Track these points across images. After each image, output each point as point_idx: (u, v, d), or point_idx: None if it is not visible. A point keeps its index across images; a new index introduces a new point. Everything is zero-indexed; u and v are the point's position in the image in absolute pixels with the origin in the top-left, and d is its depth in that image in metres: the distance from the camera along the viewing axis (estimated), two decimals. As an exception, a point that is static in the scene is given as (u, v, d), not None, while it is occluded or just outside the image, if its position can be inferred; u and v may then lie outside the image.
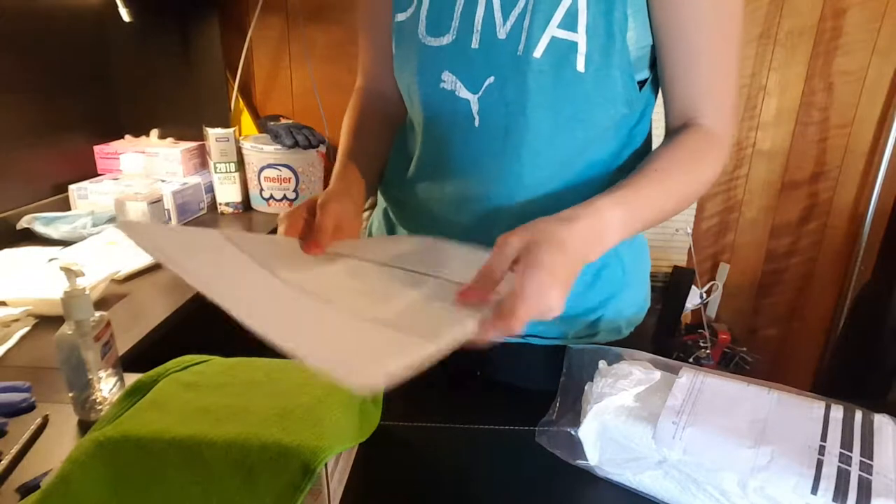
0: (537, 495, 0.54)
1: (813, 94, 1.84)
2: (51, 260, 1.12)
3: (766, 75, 1.83)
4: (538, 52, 0.58)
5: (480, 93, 0.63)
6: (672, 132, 0.64)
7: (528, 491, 0.54)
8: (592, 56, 0.58)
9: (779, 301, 2.08)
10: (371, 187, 0.73)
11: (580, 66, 0.58)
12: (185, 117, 1.77)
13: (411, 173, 0.74)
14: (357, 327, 0.43)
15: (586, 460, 0.55)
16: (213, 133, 1.57)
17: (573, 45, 0.58)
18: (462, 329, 0.43)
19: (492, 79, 0.62)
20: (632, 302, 0.76)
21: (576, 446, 0.56)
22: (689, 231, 1.98)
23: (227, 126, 1.66)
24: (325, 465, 0.46)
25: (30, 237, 1.29)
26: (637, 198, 0.55)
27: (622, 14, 0.57)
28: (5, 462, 0.55)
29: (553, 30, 0.57)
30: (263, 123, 1.80)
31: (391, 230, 0.79)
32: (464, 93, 0.64)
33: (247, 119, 1.87)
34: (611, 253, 0.67)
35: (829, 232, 1.98)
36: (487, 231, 0.68)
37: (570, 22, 0.57)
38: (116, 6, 1.56)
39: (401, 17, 0.66)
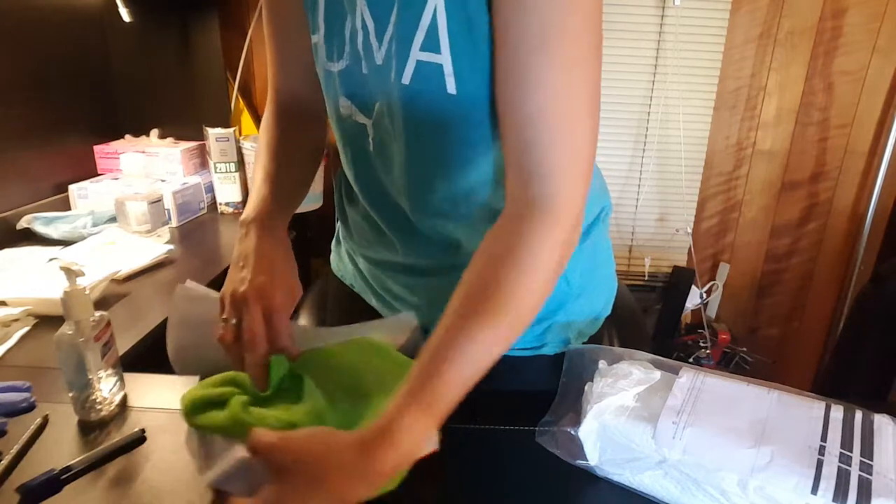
0: (537, 495, 0.54)
1: (813, 94, 1.84)
2: (51, 260, 1.12)
3: (766, 75, 1.83)
4: (406, 79, 0.55)
5: (373, 118, 0.62)
6: (507, 205, 0.54)
7: (528, 491, 0.54)
8: (462, 76, 0.53)
9: (779, 301, 2.09)
10: (293, 210, 0.71)
11: (451, 88, 0.54)
12: (185, 117, 1.77)
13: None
14: None
15: (586, 460, 0.55)
16: (213, 133, 1.57)
17: (439, 68, 0.53)
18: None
19: (378, 104, 0.60)
20: (582, 312, 0.73)
21: (576, 446, 0.56)
22: (689, 231, 1.98)
23: (227, 126, 1.66)
24: None
25: (30, 237, 1.29)
26: (446, 385, 0.46)
27: (483, 25, 0.51)
28: (5, 462, 0.55)
29: (417, 53, 0.53)
30: (263, 123, 1.80)
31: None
32: (361, 118, 0.63)
33: (247, 119, 1.87)
34: None
35: (829, 232, 1.98)
36: (403, 249, 0.69)
37: (431, 43, 0.52)
38: (116, 6, 1.56)
39: (314, 39, 0.64)
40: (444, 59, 0.53)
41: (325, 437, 0.45)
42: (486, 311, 0.48)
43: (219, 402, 0.56)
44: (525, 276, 0.49)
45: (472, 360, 0.47)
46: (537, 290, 0.50)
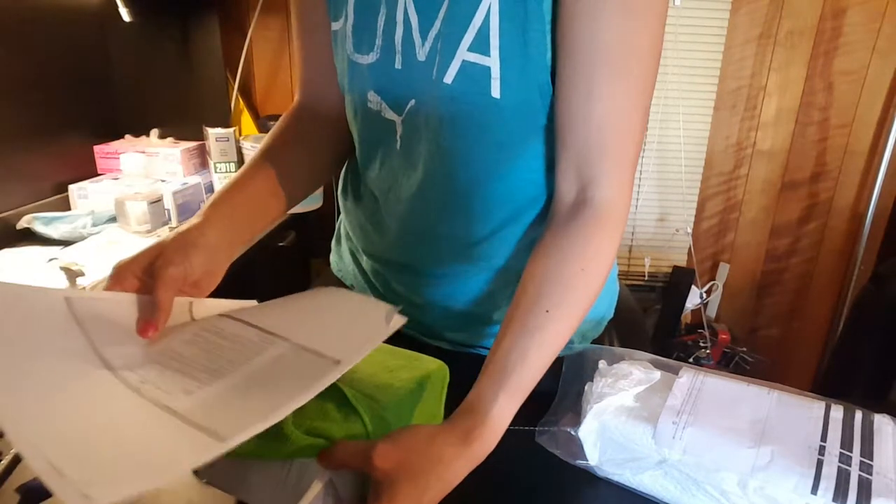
0: (537, 495, 0.54)
1: (813, 94, 1.84)
2: (51, 260, 1.12)
3: (766, 75, 1.83)
4: (449, 78, 0.54)
5: (404, 115, 0.60)
6: (562, 207, 0.56)
7: (528, 491, 0.54)
8: (508, 81, 0.53)
9: (779, 301, 2.09)
10: (257, 223, 0.65)
11: (495, 92, 0.53)
12: (185, 117, 1.77)
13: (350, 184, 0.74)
14: (146, 426, 0.38)
15: (586, 460, 0.55)
16: (213, 133, 1.57)
17: (486, 70, 0.53)
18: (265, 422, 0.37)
19: (413, 101, 0.58)
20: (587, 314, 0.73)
21: (576, 446, 0.56)
22: (689, 231, 1.98)
23: (227, 126, 1.66)
24: None
25: (30, 237, 1.29)
26: (529, 372, 0.50)
27: (539, 32, 0.51)
28: (5, 462, 0.55)
29: (464, 53, 0.52)
30: (263, 123, 1.80)
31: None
32: (389, 114, 0.61)
33: (247, 119, 1.87)
34: None
35: (829, 232, 1.98)
36: (412, 250, 0.67)
37: (481, 44, 0.52)
38: (116, 6, 1.56)
39: (335, 26, 0.62)
40: (493, 61, 0.52)
41: (418, 434, 0.45)
42: (558, 307, 0.52)
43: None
44: (590, 275, 0.54)
45: (546, 352, 0.51)
46: (598, 286, 0.55)
